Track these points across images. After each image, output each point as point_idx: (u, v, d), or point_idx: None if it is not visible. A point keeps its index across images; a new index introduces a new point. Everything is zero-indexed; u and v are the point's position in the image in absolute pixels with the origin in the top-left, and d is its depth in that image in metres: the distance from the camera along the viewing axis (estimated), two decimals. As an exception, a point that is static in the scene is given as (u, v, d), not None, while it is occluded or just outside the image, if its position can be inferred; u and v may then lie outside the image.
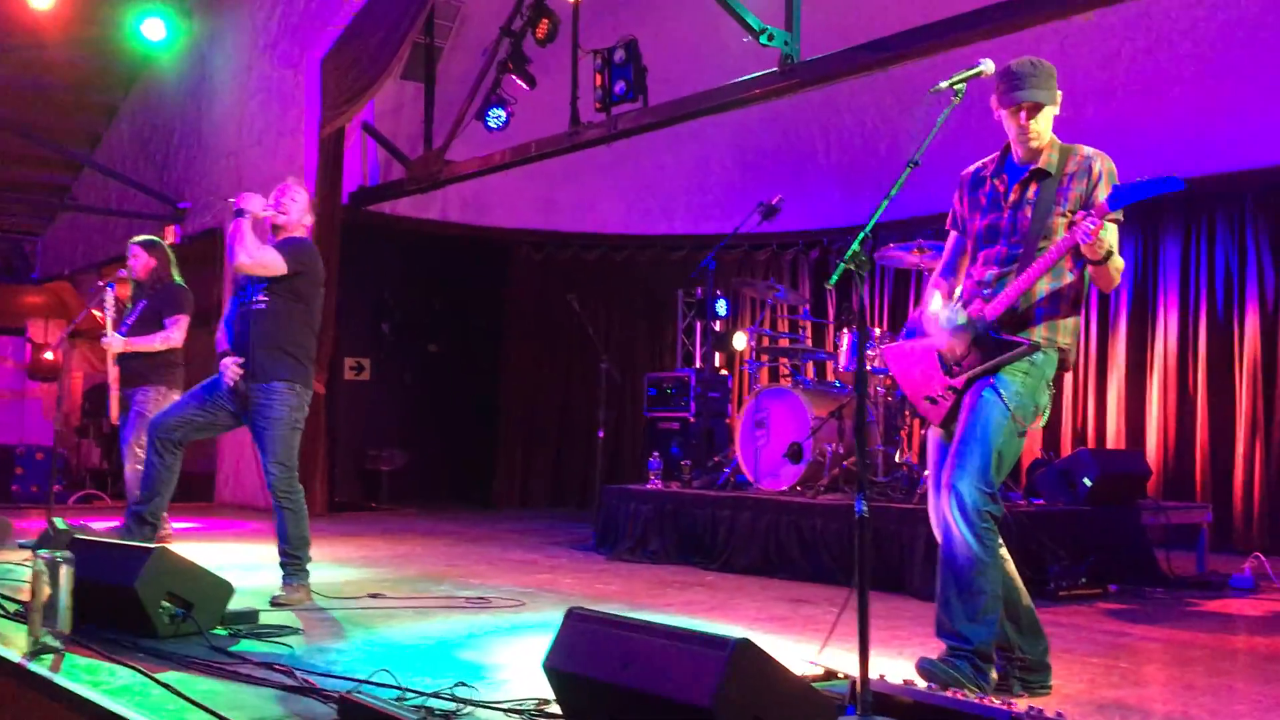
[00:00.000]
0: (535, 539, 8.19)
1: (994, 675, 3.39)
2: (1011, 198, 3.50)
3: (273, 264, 4.96)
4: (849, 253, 2.86)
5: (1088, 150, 3.47)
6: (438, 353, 11.71)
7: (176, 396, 6.99)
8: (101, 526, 6.95)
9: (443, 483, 11.52)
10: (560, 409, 11.68)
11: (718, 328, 9.83)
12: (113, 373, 6.86)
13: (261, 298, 5.02)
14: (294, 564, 4.98)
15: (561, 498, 11.47)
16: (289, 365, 4.98)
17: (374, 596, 5.16)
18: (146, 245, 6.98)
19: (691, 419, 8.61)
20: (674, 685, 2.37)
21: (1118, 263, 3.37)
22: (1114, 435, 8.71)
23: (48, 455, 11.83)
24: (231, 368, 4.97)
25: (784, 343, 9.12)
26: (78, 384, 15.25)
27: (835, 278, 2.90)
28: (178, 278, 6.97)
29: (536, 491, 11.55)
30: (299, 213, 5.14)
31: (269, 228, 5.18)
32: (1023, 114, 3.41)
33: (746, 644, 2.37)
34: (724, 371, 9.74)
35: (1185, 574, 6.27)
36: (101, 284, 7.08)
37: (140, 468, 6.91)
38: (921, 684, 3.00)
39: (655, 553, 6.98)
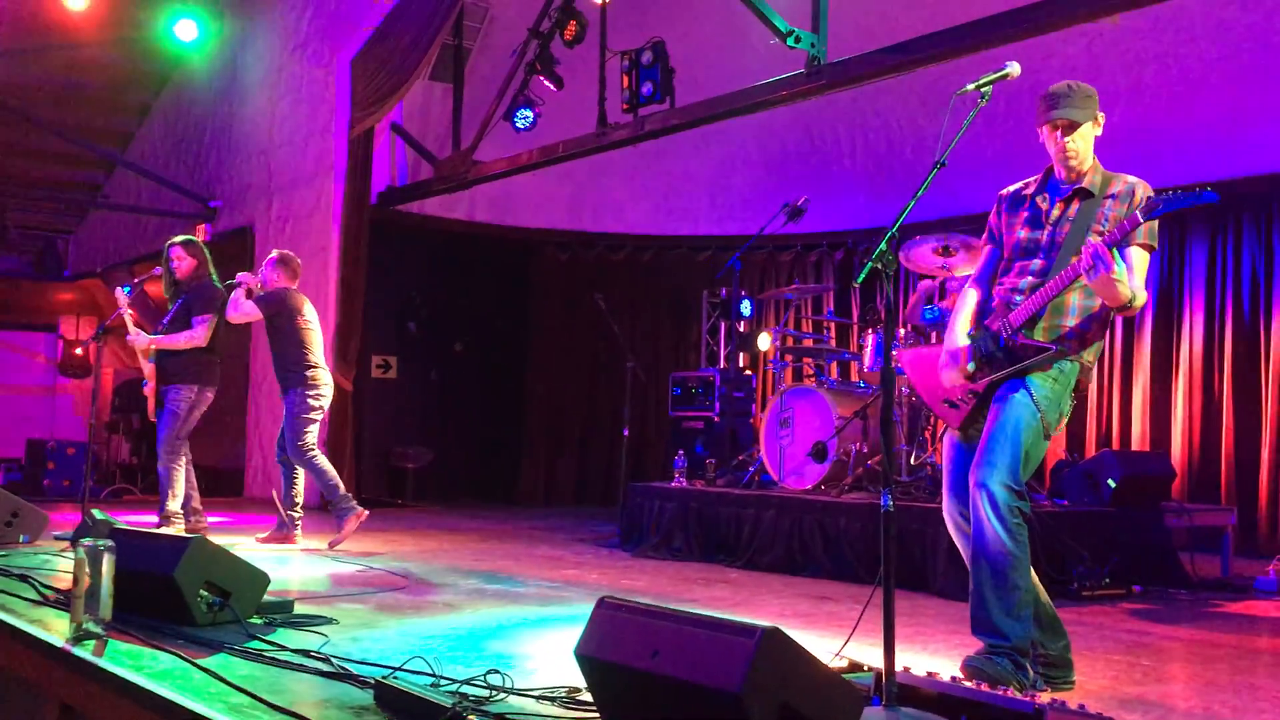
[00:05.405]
0: (561, 535, 8.26)
1: (1031, 673, 3.44)
2: (1054, 215, 3.59)
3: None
4: (876, 252, 2.92)
5: (1131, 178, 3.57)
6: (463, 351, 11.80)
7: (210, 396, 7.05)
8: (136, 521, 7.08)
9: (467, 480, 11.62)
10: (585, 408, 11.77)
11: (742, 328, 9.88)
12: (147, 369, 6.98)
13: None
14: None
15: (585, 496, 11.55)
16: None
17: (401, 590, 5.25)
18: (186, 245, 7.13)
19: (716, 418, 8.67)
20: (703, 672, 2.42)
21: (1138, 301, 3.44)
22: (1139, 438, 8.71)
23: (80, 450, 11.96)
24: None
25: (808, 343, 9.16)
26: (108, 380, 15.45)
27: (862, 276, 2.96)
28: (214, 277, 7.12)
29: (560, 489, 11.65)
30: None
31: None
32: (1059, 132, 3.51)
33: (775, 632, 2.43)
34: (748, 372, 9.79)
35: (1209, 576, 6.27)
36: (120, 288, 7.26)
37: (175, 468, 6.99)
38: (966, 681, 3.03)
39: (680, 550, 7.04)
